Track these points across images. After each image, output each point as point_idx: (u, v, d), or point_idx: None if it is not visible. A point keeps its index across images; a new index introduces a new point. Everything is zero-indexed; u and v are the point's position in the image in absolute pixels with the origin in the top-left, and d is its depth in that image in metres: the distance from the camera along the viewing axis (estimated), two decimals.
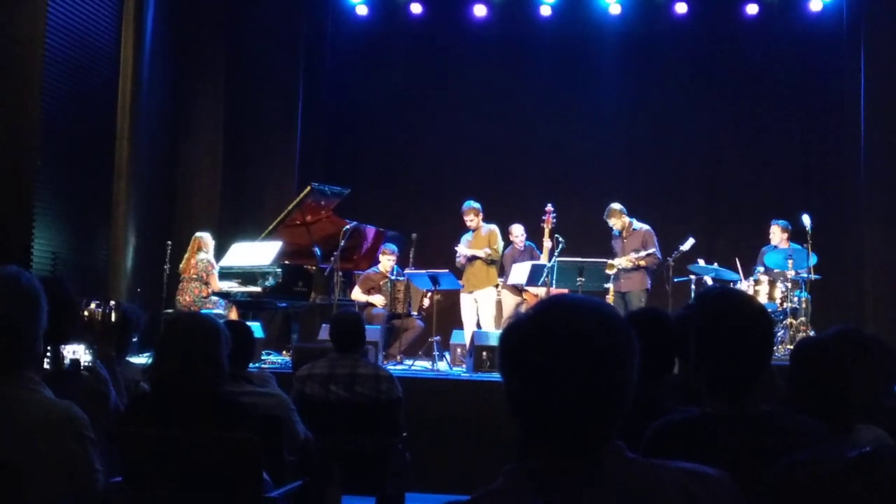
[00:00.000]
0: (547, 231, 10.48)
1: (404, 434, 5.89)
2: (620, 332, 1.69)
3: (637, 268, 9.98)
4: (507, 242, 10.82)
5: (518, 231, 10.83)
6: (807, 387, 2.92)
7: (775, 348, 9.64)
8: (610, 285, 9.95)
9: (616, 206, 10.26)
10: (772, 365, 2.68)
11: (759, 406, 2.48)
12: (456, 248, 10.68)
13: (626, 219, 10.22)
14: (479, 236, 10.61)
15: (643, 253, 9.96)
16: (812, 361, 2.95)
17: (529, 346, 1.66)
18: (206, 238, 10.32)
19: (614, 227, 10.27)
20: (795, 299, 9.85)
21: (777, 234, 10.35)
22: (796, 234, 10.27)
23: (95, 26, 10.06)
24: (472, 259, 10.54)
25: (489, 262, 10.52)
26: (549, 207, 10.50)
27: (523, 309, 10.46)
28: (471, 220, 10.62)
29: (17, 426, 2.56)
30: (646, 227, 10.22)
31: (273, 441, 4.14)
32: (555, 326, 1.65)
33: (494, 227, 10.65)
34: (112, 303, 3.85)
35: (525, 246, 10.80)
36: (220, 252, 10.48)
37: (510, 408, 1.69)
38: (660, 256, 10.13)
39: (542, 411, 1.65)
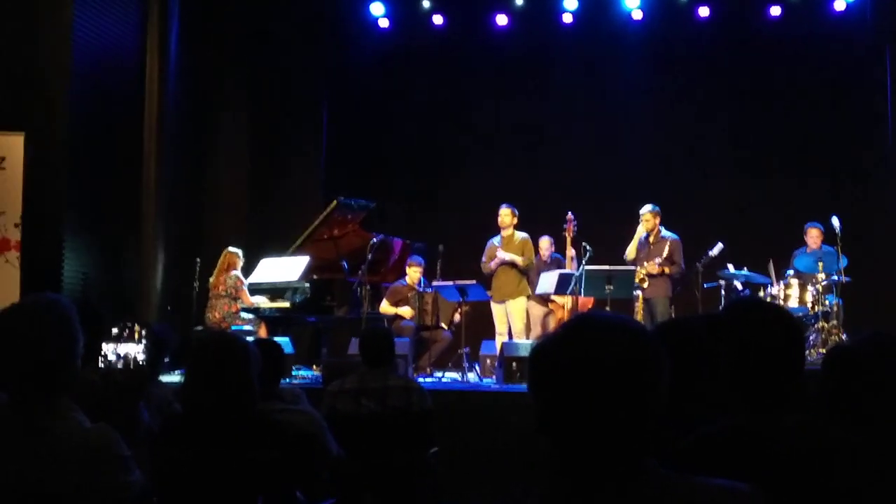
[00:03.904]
0: (569, 239, 10.44)
1: (435, 449, 5.89)
2: (650, 351, 1.69)
3: (661, 274, 9.93)
4: (535, 253, 10.81)
5: (546, 244, 10.83)
6: (839, 395, 2.89)
7: (807, 353, 9.57)
8: (639, 292, 9.91)
9: (653, 207, 10.18)
10: (804, 371, 2.65)
11: (792, 416, 2.46)
12: (485, 259, 10.61)
13: (657, 224, 10.15)
14: (511, 242, 10.52)
15: (661, 260, 9.89)
16: (844, 369, 2.92)
17: (558, 368, 1.66)
18: (237, 255, 10.38)
19: (644, 226, 10.16)
20: (826, 302, 9.77)
21: (815, 238, 10.25)
22: (826, 237, 10.19)
23: (120, 49, 10.18)
24: (508, 264, 10.46)
25: (523, 270, 10.45)
26: (570, 216, 10.44)
27: (551, 319, 10.47)
28: (504, 220, 10.51)
29: (54, 455, 2.58)
30: (674, 236, 10.14)
31: (305, 459, 4.15)
32: (584, 348, 1.65)
33: (528, 237, 10.57)
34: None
35: (551, 258, 10.78)
36: (248, 268, 10.54)
37: (540, 427, 1.70)
38: (683, 267, 10.08)
39: (573, 431, 1.66)
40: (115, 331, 3.95)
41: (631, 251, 10.15)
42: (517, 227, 10.61)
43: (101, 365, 3.78)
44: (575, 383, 1.64)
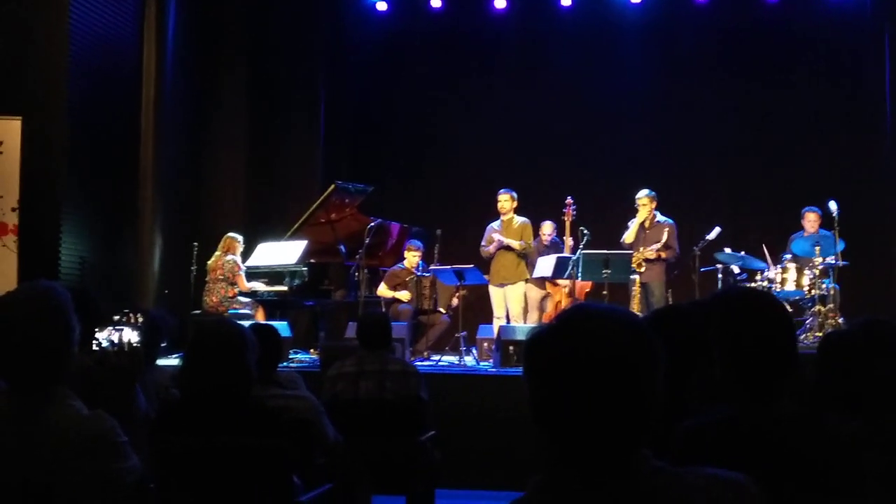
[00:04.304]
0: (567, 224, 10.45)
1: (432, 432, 5.91)
2: (645, 342, 1.69)
3: (658, 259, 9.96)
4: (535, 236, 10.79)
5: (548, 229, 10.84)
6: (834, 383, 2.90)
7: (804, 336, 9.60)
8: (636, 276, 9.93)
9: (649, 192, 10.19)
10: (799, 355, 2.65)
11: (788, 405, 2.47)
12: (485, 244, 10.59)
13: (653, 209, 10.15)
14: (510, 226, 10.50)
15: (660, 245, 9.91)
16: (839, 357, 2.92)
17: (554, 360, 1.67)
18: (237, 240, 10.38)
19: (640, 210, 10.16)
20: (823, 286, 9.77)
21: (813, 222, 10.25)
22: (824, 221, 10.19)
23: (118, 32, 10.14)
24: (507, 248, 10.44)
25: (522, 254, 10.44)
26: (569, 200, 10.47)
27: (549, 303, 10.48)
28: (504, 205, 10.48)
29: (51, 442, 2.59)
30: (669, 221, 10.16)
31: (302, 444, 4.17)
32: (579, 341, 1.66)
33: (528, 221, 10.56)
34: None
35: (551, 242, 10.79)
36: (246, 252, 10.54)
37: (535, 419, 1.70)
38: (678, 251, 10.11)
39: (568, 424, 1.66)
40: (115, 318, 3.94)
41: (630, 236, 10.16)
42: (517, 212, 10.60)
43: (95, 348, 3.79)
44: (570, 376, 1.65)
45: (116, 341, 3.60)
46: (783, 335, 2.50)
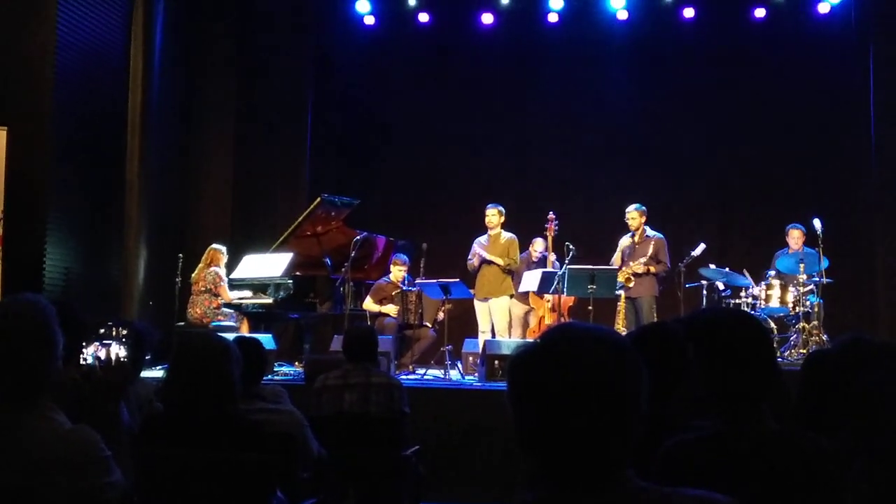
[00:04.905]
0: (550, 239, 10.45)
1: (417, 446, 5.91)
2: (628, 364, 1.69)
3: (647, 273, 9.95)
4: (524, 251, 10.78)
5: (539, 246, 10.82)
6: (817, 402, 2.91)
7: (788, 353, 9.64)
8: (621, 291, 9.93)
9: (638, 206, 10.20)
10: (783, 372, 2.66)
11: (771, 422, 2.48)
12: (471, 257, 10.56)
13: (643, 223, 10.16)
14: (497, 242, 10.48)
15: (646, 259, 9.91)
16: (822, 377, 2.94)
17: (537, 382, 1.67)
18: (221, 251, 10.35)
19: (630, 224, 10.19)
20: (808, 303, 9.82)
21: (797, 239, 10.28)
22: (808, 238, 10.24)
23: (105, 43, 10.13)
24: (489, 263, 10.43)
25: (506, 271, 10.42)
26: (552, 215, 10.46)
27: (532, 317, 10.48)
28: (491, 220, 10.45)
29: (33, 457, 2.58)
30: (659, 235, 10.17)
31: (286, 459, 4.15)
32: (562, 362, 1.66)
33: (514, 237, 10.54)
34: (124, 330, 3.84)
35: (541, 257, 10.78)
36: (231, 264, 10.51)
37: (519, 440, 1.70)
38: (669, 265, 10.12)
39: (551, 444, 1.66)
40: (101, 332, 3.91)
41: (617, 259, 10.16)
42: (504, 228, 10.59)
43: (82, 362, 3.78)
44: (554, 397, 1.65)
45: (104, 357, 3.58)
46: (764, 354, 2.51)
